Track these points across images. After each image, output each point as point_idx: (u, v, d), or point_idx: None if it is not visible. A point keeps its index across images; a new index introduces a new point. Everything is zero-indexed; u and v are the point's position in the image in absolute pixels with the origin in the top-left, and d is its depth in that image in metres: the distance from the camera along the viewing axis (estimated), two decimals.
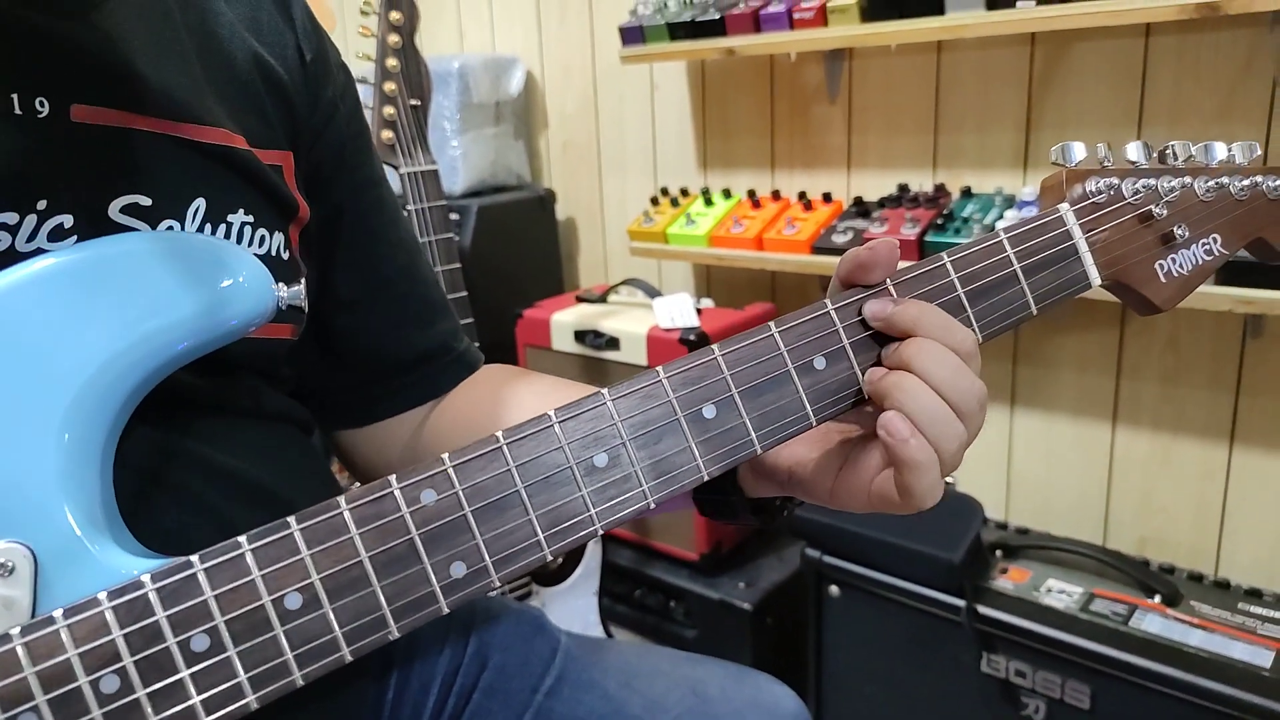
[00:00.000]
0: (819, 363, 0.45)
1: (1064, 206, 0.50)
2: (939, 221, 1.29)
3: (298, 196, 0.55)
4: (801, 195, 1.48)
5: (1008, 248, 0.48)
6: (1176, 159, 0.53)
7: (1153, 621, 1.07)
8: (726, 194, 1.59)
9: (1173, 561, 1.21)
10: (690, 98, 1.72)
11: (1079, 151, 0.51)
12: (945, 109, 1.40)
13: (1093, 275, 0.50)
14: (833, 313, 0.46)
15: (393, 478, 0.39)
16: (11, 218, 0.41)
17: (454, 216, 1.68)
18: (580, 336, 1.51)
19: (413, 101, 1.21)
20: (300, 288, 0.44)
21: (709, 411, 0.44)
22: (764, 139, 1.63)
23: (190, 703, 0.36)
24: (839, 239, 1.37)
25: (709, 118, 1.71)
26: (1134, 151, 0.53)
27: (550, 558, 0.41)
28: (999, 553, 1.23)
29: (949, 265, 0.47)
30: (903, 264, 0.47)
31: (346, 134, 0.61)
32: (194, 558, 0.37)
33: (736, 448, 0.44)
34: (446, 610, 0.40)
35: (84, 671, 0.35)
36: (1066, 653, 1.07)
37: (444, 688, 0.68)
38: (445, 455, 0.40)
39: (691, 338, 1.38)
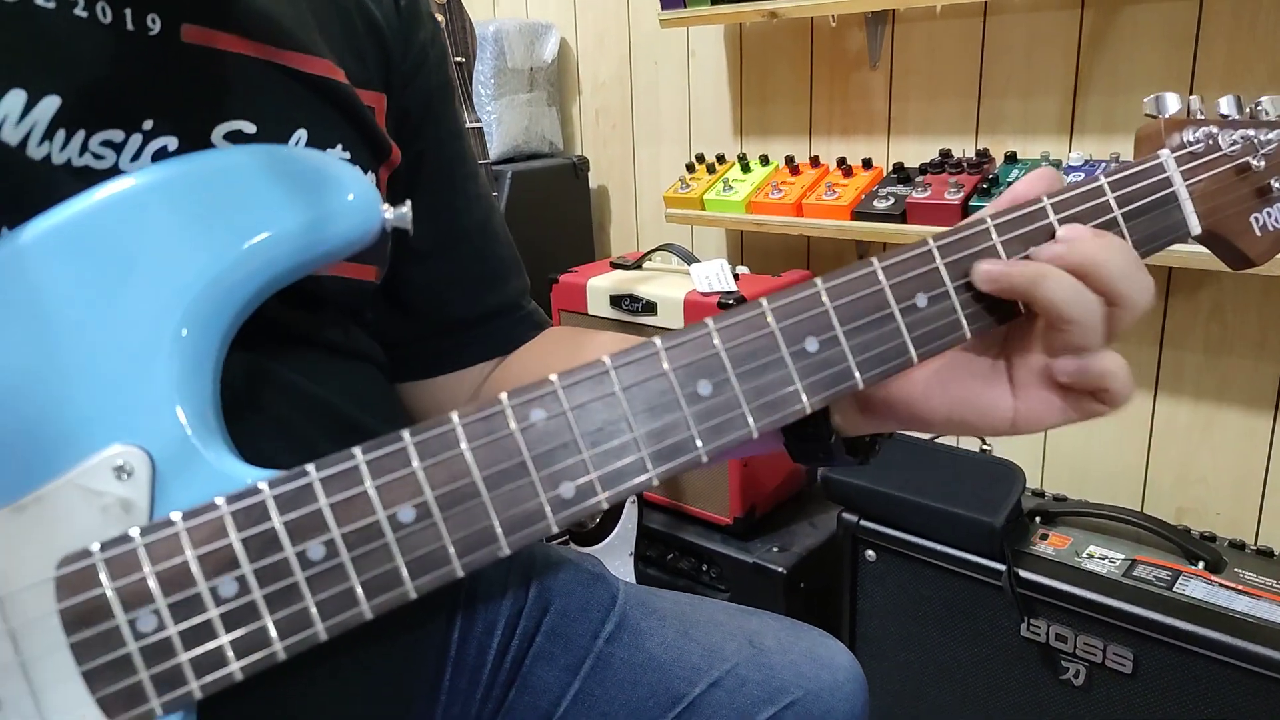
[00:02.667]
0: (921, 301, 0.45)
1: (1164, 153, 0.49)
2: (983, 186, 1.28)
3: (390, 139, 0.55)
4: (841, 161, 1.47)
5: (1108, 192, 0.47)
6: (1269, 114, 0.52)
7: (1197, 587, 1.06)
8: (764, 160, 1.57)
9: (1212, 531, 1.20)
10: (728, 64, 1.70)
11: (1173, 103, 0.51)
12: (990, 74, 1.38)
13: (1192, 223, 0.49)
14: (935, 250, 0.45)
15: (504, 395, 0.39)
16: (118, 135, 0.41)
17: None
18: (616, 301, 1.50)
19: (458, 59, 1.20)
20: (407, 209, 0.43)
21: (811, 345, 0.43)
22: (803, 105, 1.61)
23: (305, 607, 0.36)
24: (880, 204, 1.35)
25: (747, 84, 1.69)
26: (1226, 105, 0.52)
27: (656, 481, 0.41)
28: (1038, 519, 1.22)
29: (1049, 207, 0.46)
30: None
31: (434, 82, 0.60)
32: (309, 467, 0.37)
33: (838, 378, 0.44)
34: (555, 529, 0.39)
35: (203, 575, 0.35)
36: (1110, 617, 1.06)
37: (507, 631, 0.69)
38: (554, 376, 0.40)
39: (730, 302, 1.37)
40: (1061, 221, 0.46)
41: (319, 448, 0.43)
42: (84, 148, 0.40)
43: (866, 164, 1.45)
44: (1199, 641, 1.00)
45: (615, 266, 1.60)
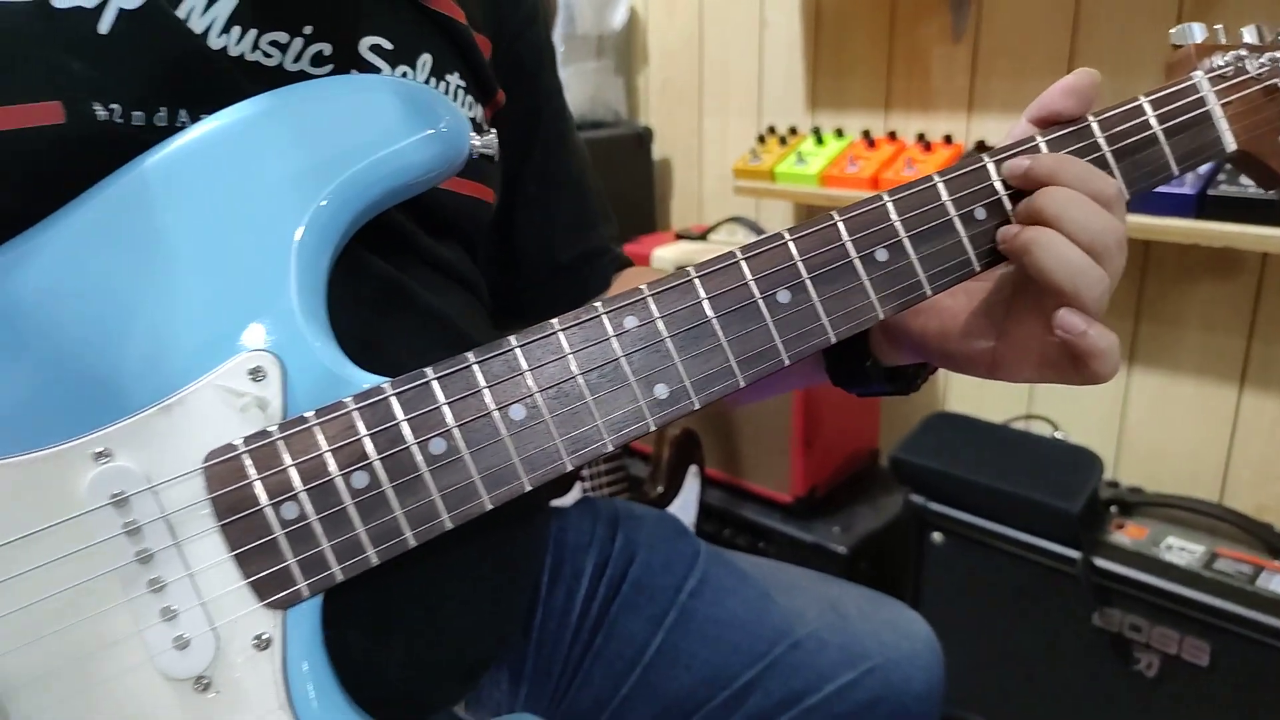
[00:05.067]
0: (979, 213, 0.47)
1: (1198, 74, 0.52)
2: None
3: (495, 82, 0.59)
4: (920, 137, 1.47)
5: (1148, 110, 0.50)
6: None
7: None
8: (839, 134, 1.58)
9: None
10: (802, 35, 1.71)
11: (1199, 32, 0.54)
12: (1081, 49, 1.37)
13: (1227, 140, 0.52)
14: (989, 166, 0.47)
15: (599, 304, 0.42)
16: (283, 37, 0.46)
17: None
18: None
19: None
20: (493, 137, 0.47)
21: (881, 255, 0.46)
22: (880, 79, 1.62)
23: (431, 499, 0.40)
24: None
25: (821, 57, 1.70)
26: (1250, 34, 0.55)
27: (742, 383, 0.43)
28: (1114, 508, 1.23)
29: (1095, 125, 0.48)
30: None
31: (544, 37, 0.65)
32: (428, 369, 0.40)
33: (908, 288, 0.46)
34: (653, 427, 0.42)
35: (337, 467, 0.39)
36: (1188, 609, 1.06)
37: (594, 578, 0.72)
38: (644, 285, 0.43)
39: None
40: (1109, 140, 0.48)
41: (437, 358, 0.47)
42: (255, 45, 0.45)
43: (948, 139, 1.46)
44: None
45: (680, 238, 1.63)
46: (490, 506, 0.40)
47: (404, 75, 0.50)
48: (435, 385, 0.40)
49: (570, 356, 0.41)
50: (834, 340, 0.45)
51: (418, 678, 0.50)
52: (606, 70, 1.90)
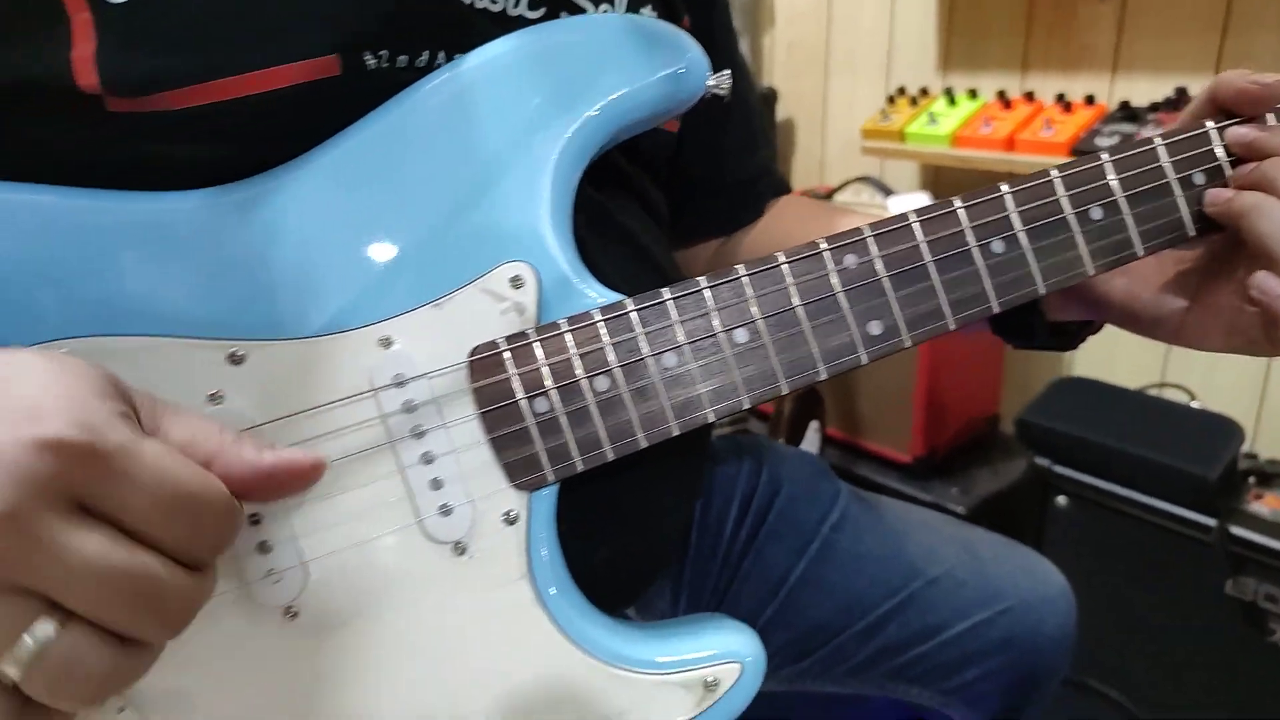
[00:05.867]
0: (1198, 178, 0.49)
1: None
2: None
3: (682, 7, 0.62)
4: (1060, 97, 1.45)
5: None
6: None
7: None
8: (972, 94, 1.57)
9: None
10: None
11: None
12: (1239, 6, 1.33)
13: None
14: (1212, 132, 0.49)
15: (821, 241, 0.46)
16: None
17: None
18: None
19: None
20: (727, 75, 0.50)
21: (1096, 213, 0.48)
22: (1018, 39, 1.60)
23: (661, 406, 0.45)
24: (1103, 142, 1.34)
25: (955, 17, 1.68)
26: None
27: (952, 326, 0.47)
28: (1252, 479, 1.21)
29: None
30: None
31: None
32: (665, 290, 0.45)
33: (1119, 246, 0.48)
34: (864, 361, 0.46)
35: (583, 370, 0.44)
36: None
37: (742, 506, 0.77)
38: (864, 226, 0.47)
39: None
40: None
41: (636, 279, 0.51)
42: None
43: (1089, 100, 1.44)
44: None
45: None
46: (712, 419, 0.45)
47: (605, 12, 0.53)
48: (670, 304, 0.45)
49: (792, 287, 0.46)
50: (1043, 292, 0.47)
51: (610, 576, 0.56)
52: None
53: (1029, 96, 1.51)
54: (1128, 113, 1.37)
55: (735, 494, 0.77)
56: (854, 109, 1.88)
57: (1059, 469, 1.29)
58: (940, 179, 1.76)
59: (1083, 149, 1.36)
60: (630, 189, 0.59)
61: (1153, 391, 1.44)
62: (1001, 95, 1.52)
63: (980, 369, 1.58)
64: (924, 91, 1.64)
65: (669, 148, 0.64)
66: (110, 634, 0.31)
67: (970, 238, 0.47)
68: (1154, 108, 1.35)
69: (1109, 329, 0.58)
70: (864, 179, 1.60)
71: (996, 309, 0.47)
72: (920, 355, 1.44)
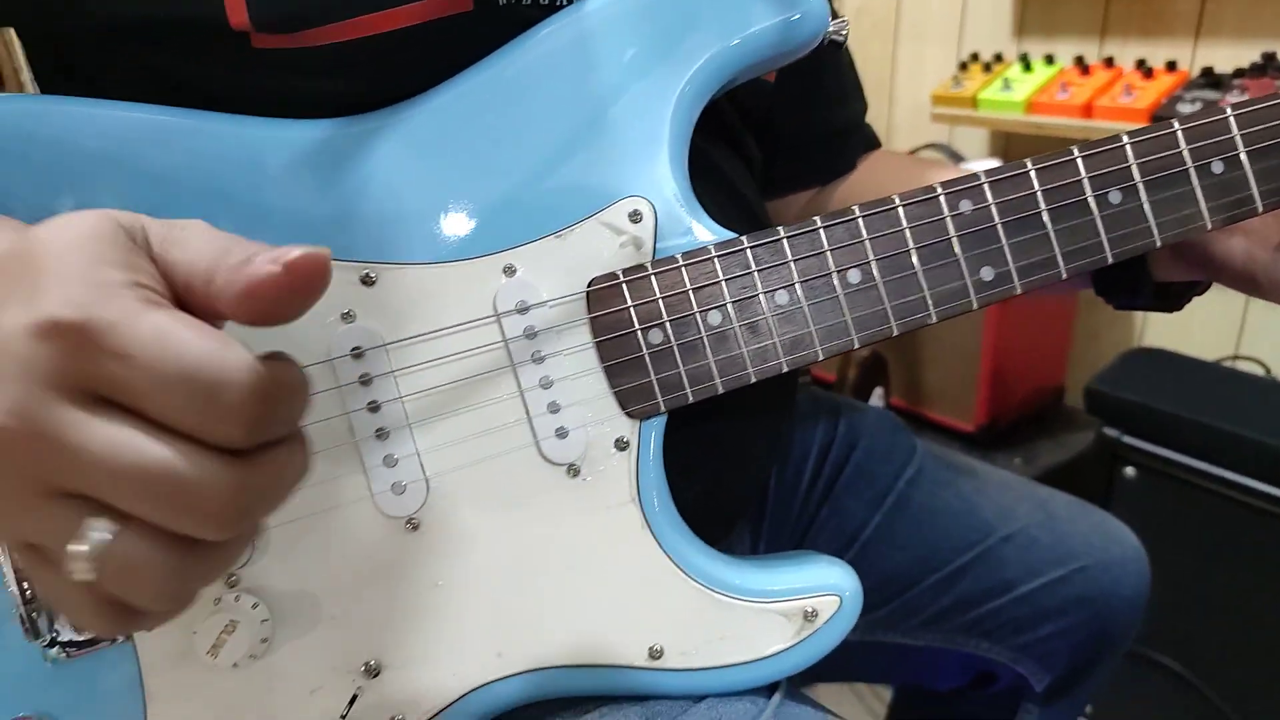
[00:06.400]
0: None
1: None
2: None
3: None
4: (1140, 63, 1.42)
5: None
6: None
7: None
8: (1048, 60, 1.54)
9: None
10: None
11: None
12: None
13: None
14: None
15: (937, 185, 0.47)
16: None
17: None
18: None
19: None
20: (845, 21, 0.51)
21: (1217, 167, 0.48)
22: (1097, 4, 1.56)
23: (772, 343, 0.46)
24: (1185, 109, 1.31)
25: None
26: None
27: (1064, 275, 0.47)
28: None
29: None
30: None
31: None
32: (780, 229, 0.46)
33: (1240, 202, 0.48)
34: (975, 307, 0.47)
35: (696, 304, 0.45)
36: None
37: (819, 457, 0.78)
38: (980, 172, 0.47)
39: None
40: None
41: (739, 232, 0.52)
42: None
43: (1171, 66, 1.40)
44: None
45: None
46: (821, 358, 0.46)
47: None
48: (785, 243, 0.46)
49: (906, 230, 0.46)
50: (1158, 245, 0.47)
51: (700, 514, 0.57)
52: None
53: (1108, 62, 1.48)
54: (1211, 79, 1.34)
55: (813, 446, 0.78)
56: (922, 75, 1.86)
57: (1128, 439, 1.27)
58: (1012, 146, 1.73)
59: (1163, 115, 1.33)
60: (729, 137, 0.60)
61: (1227, 364, 1.42)
62: (1079, 61, 1.49)
63: (1047, 339, 1.57)
64: (998, 57, 1.61)
65: (767, 97, 0.64)
66: (166, 532, 0.28)
67: (1087, 187, 0.47)
68: (1238, 74, 1.31)
69: None
70: (933, 145, 1.59)
71: (1110, 260, 0.48)
72: (987, 324, 1.43)
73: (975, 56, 1.62)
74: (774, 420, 0.61)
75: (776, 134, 0.70)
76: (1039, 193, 0.47)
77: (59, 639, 0.41)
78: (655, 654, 0.45)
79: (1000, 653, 0.78)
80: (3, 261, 0.29)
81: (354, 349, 0.43)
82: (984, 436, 1.50)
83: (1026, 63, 1.55)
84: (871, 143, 0.77)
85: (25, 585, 0.41)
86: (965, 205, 0.47)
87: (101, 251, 0.28)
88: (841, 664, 0.61)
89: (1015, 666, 0.78)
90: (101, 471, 0.27)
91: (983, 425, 1.49)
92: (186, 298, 0.29)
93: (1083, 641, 0.78)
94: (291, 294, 0.29)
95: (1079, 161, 0.47)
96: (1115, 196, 0.47)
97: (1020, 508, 0.79)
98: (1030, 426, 1.56)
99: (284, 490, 0.30)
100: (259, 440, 0.28)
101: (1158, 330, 1.58)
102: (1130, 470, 1.28)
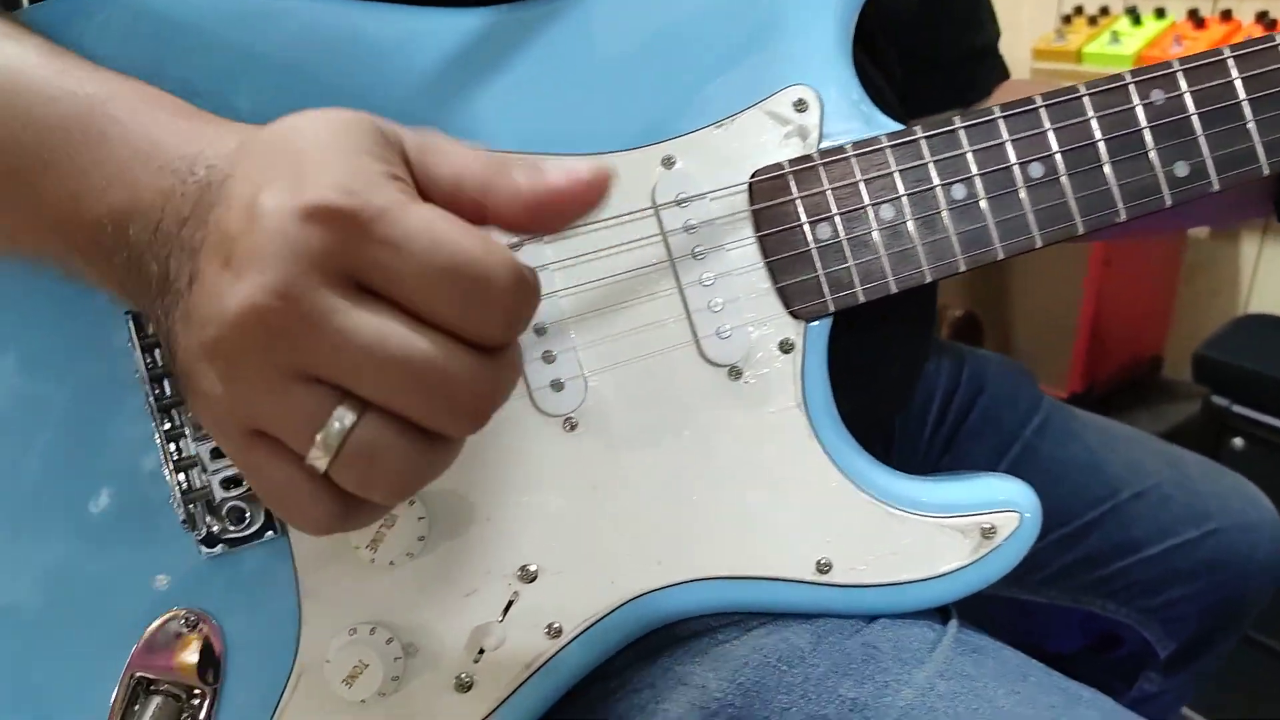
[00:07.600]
0: None
1: None
2: None
3: None
4: (1262, 15, 1.35)
5: None
6: None
7: None
8: (1159, 14, 1.48)
9: None
10: None
11: None
12: None
13: None
14: None
15: (1127, 73, 0.43)
16: None
17: None
18: None
19: None
20: None
21: None
22: None
23: (949, 238, 0.43)
24: None
25: None
26: None
27: (1266, 171, 0.44)
28: None
29: None
30: None
31: None
32: (955, 116, 0.43)
33: None
34: (1168, 203, 0.44)
35: (868, 197, 0.43)
36: None
37: (944, 402, 0.75)
38: (1174, 60, 0.43)
39: None
40: None
41: None
42: None
43: None
44: None
45: None
46: (1001, 256, 0.43)
47: None
48: (961, 133, 0.43)
49: (1093, 120, 0.43)
50: None
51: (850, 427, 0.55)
52: None
53: (1225, 15, 1.41)
54: None
55: (937, 391, 0.75)
56: (1021, 29, 1.79)
57: (1238, 409, 1.22)
58: None
59: None
60: (872, 50, 0.57)
61: None
62: (1193, 14, 1.42)
63: (1149, 305, 1.51)
64: (1104, 10, 1.54)
65: (909, 14, 0.61)
66: (409, 424, 0.28)
67: None
68: None
69: None
70: None
71: (1265, 172, 0.44)
72: (1087, 286, 1.38)
73: (1079, 10, 1.56)
74: (915, 344, 0.59)
75: (917, 52, 0.67)
76: (1237, 81, 0.43)
77: (215, 531, 0.40)
78: (823, 567, 0.43)
79: (1126, 614, 0.74)
80: (254, 147, 0.29)
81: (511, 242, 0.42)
82: (1078, 404, 1.44)
83: (1136, 16, 1.49)
84: (1005, 72, 0.73)
85: (183, 479, 0.40)
86: (1157, 94, 0.43)
87: (365, 144, 0.28)
88: (962, 616, 0.59)
89: (1140, 629, 0.74)
90: (362, 360, 0.26)
91: (1076, 393, 1.44)
92: (449, 206, 0.29)
93: (1212, 606, 0.74)
94: (575, 206, 0.30)
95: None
96: None
97: (1152, 464, 0.76)
98: (1126, 396, 1.50)
99: (511, 390, 0.30)
100: (512, 339, 0.29)
101: (1270, 297, 1.51)
102: (1239, 441, 1.23)
